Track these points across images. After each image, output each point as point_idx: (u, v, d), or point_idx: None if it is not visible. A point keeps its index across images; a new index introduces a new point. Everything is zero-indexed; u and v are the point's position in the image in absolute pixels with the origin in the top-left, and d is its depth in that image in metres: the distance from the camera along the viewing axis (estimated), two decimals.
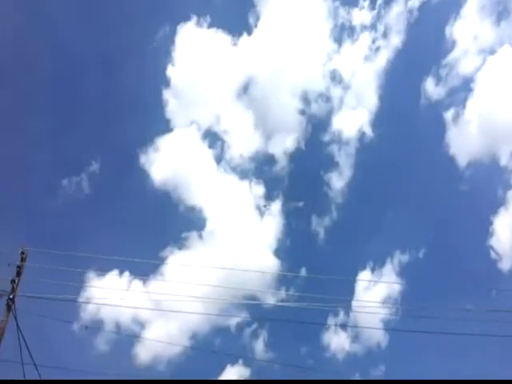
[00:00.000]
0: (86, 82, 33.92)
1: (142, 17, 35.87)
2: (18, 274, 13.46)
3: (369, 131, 34.93)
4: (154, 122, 34.36)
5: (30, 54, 33.20)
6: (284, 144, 34.97)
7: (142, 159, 32.81)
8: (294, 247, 33.57)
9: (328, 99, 35.58)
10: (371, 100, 35.48)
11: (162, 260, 28.17)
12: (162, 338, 27.53)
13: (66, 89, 34.01)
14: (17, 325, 13.34)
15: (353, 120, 35.40)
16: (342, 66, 35.79)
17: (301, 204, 34.46)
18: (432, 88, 34.16)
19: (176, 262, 29.47)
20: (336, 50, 36.02)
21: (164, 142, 33.67)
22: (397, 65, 35.22)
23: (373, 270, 31.40)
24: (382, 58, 35.42)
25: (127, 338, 26.97)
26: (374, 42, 35.70)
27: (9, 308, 13.14)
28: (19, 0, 33.65)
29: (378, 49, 35.66)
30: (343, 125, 35.27)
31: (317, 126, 35.55)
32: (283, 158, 34.71)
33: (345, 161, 34.77)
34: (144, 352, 27.01)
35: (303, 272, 29.56)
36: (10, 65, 32.63)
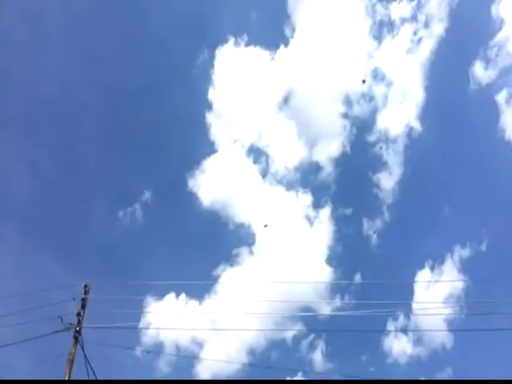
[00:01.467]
0: (132, 112, 35.94)
1: (182, 44, 37.37)
2: (83, 306, 14.37)
3: (417, 125, 34.43)
4: (199, 146, 35.91)
5: (79, 91, 35.14)
6: (328, 150, 35.01)
7: (190, 183, 34.21)
8: (346, 253, 33.28)
9: (371, 98, 35.40)
10: (417, 93, 34.99)
11: (216, 279, 28.98)
12: (220, 356, 28.22)
13: (115, 121, 35.99)
14: (84, 355, 14.10)
15: (399, 116, 34.97)
16: (383, 63, 35.48)
17: (350, 209, 34.27)
18: (481, 72, 33.36)
19: (229, 279, 30.23)
20: (376, 48, 35.76)
21: (209, 163, 34.83)
22: (441, 53, 34.63)
23: (432, 269, 30.70)
24: (425, 49, 34.87)
25: (187, 358, 28.10)
26: (415, 33, 35.20)
27: (76, 340, 13.96)
28: (64, 38, 35.53)
29: (420, 40, 35.13)
30: (389, 122, 34.91)
31: (361, 127, 35.44)
32: (329, 165, 34.76)
33: (393, 159, 34.36)
34: (204, 371, 27.55)
35: (358, 278, 29.60)
36: (61, 102, 34.69)
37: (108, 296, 15.06)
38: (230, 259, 31.78)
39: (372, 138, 35.05)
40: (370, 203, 34.83)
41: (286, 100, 35.73)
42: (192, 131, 36.39)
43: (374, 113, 35.28)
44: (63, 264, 28.85)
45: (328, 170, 34.79)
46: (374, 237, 32.88)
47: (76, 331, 13.98)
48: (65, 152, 34.05)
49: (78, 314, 14.18)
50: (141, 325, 19.52)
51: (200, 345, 28.01)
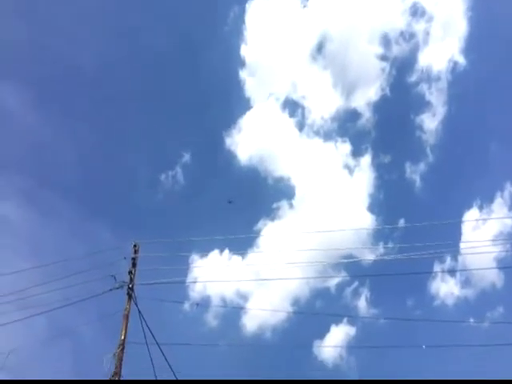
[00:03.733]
0: (167, 77, 37.26)
1: (211, 3, 38.22)
2: (134, 265, 15.73)
3: (461, 60, 34.08)
4: (234, 104, 36.96)
5: (116, 61, 37.08)
6: (367, 95, 35.04)
7: (228, 141, 35.73)
8: (388, 200, 33.83)
9: (411, 36, 34.91)
10: (460, 26, 34.45)
11: (257, 233, 30.54)
12: (265, 308, 30.26)
13: (151, 87, 37.59)
14: (138, 310, 15.50)
15: (441, 52, 34.52)
16: None
17: (392, 154, 34.61)
18: None
19: (270, 232, 31.83)
20: None
21: (246, 120, 35.91)
22: None
23: (481, 208, 31.22)
24: None
25: (233, 311, 29.89)
26: None
27: (129, 296, 15.36)
28: (98, 10, 37.14)
29: None
30: (431, 60, 34.53)
31: (401, 68, 35.21)
32: (367, 110, 34.95)
33: (437, 98, 34.30)
34: (250, 322, 29.65)
35: (401, 224, 30.28)
36: (99, 74, 36.89)
37: (156, 254, 16.56)
38: (271, 214, 33.14)
39: (413, 77, 34.83)
40: (412, 147, 34.96)
41: (319, 48, 35.73)
42: (226, 90, 37.36)
43: (414, 51, 34.78)
44: (112, 229, 31.56)
45: (367, 116, 34.94)
46: (418, 181, 33.20)
47: (129, 288, 15.34)
48: (106, 122, 36.39)
49: (130, 273, 15.53)
50: (188, 280, 21.35)
51: (245, 297, 29.79)
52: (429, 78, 34.57)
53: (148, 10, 38.35)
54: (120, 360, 14.79)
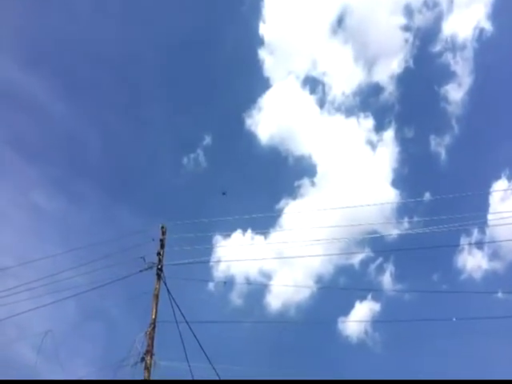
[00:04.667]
0: (187, 59, 37.86)
1: None
2: (162, 246, 16.36)
3: (488, 26, 33.46)
4: (253, 83, 37.34)
5: (135, 47, 38.09)
6: (389, 68, 34.76)
7: (248, 122, 36.00)
8: (413, 174, 33.80)
9: (434, 4, 34.49)
10: None
11: (280, 212, 31.15)
12: (289, 285, 30.86)
13: (171, 71, 38.10)
14: (167, 290, 16.10)
15: (467, 19, 33.91)
16: None
17: (416, 127, 34.35)
18: None
19: (293, 211, 32.30)
20: None
21: (265, 99, 36.08)
22: None
23: (509, 179, 31.07)
24: None
25: (257, 290, 30.70)
26: None
27: (159, 276, 16.03)
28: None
29: None
30: (456, 28, 34.04)
31: (425, 38, 34.75)
32: (390, 84, 34.70)
33: (462, 68, 33.90)
34: (274, 300, 30.30)
35: (427, 197, 30.14)
36: (121, 61, 37.98)
37: (181, 235, 17.19)
38: (293, 192, 33.59)
39: (437, 47, 34.37)
40: (437, 119, 34.68)
41: (339, 22, 35.43)
42: (246, 70, 37.85)
43: (438, 20, 34.31)
44: (138, 212, 32.80)
45: (390, 89, 34.70)
46: (443, 153, 33.09)
47: (158, 269, 15.99)
48: (129, 109, 37.31)
49: (158, 254, 16.17)
50: (213, 260, 22.06)
51: (268, 276, 30.42)
52: (454, 47, 34.20)
53: None
54: (152, 339, 15.43)
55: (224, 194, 24.03)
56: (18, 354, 19.50)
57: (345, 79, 36.51)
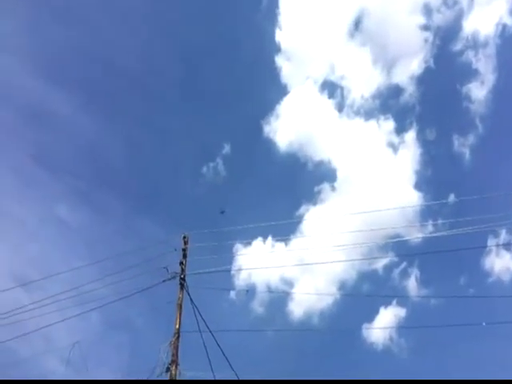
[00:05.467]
0: (204, 68, 38.75)
1: None
2: (184, 256, 16.75)
3: (510, 22, 33.32)
4: (271, 91, 37.76)
5: (153, 57, 39.14)
6: (409, 69, 34.66)
7: (266, 129, 36.50)
8: (436, 176, 33.53)
9: (454, 2, 34.42)
10: None
11: (300, 218, 31.26)
12: (311, 292, 30.87)
13: (189, 81, 39.04)
14: (190, 300, 16.41)
15: (488, 16, 33.77)
16: None
17: (438, 127, 34.15)
18: None
19: (313, 217, 32.39)
20: None
21: (283, 106, 36.44)
22: None
23: None
24: None
25: (279, 298, 30.80)
26: None
27: (182, 286, 16.31)
28: (134, 9, 38.88)
29: None
30: (477, 25, 33.81)
31: (445, 36, 34.67)
32: (410, 85, 34.63)
33: (485, 65, 33.69)
34: (297, 308, 30.35)
35: (451, 199, 29.65)
36: (141, 73, 39.12)
37: (202, 244, 17.59)
38: (313, 198, 33.73)
39: (458, 46, 34.23)
40: (459, 118, 34.43)
41: (357, 24, 35.58)
42: (263, 78, 38.19)
43: (458, 18, 34.24)
44: (159, 222, 33.36)
45: (410, 90, 34.63)
46: (467, 153, 32.72)
47: (181, 278, 16.33)
48: (149, 119, 38.28)
49: (181, 263, 16.54)
50: (234, 269, 22.36)
51: (290, 284, 30.44)
52: (475, 44, 33.94)
53: (181, 3, 39.96)
54: (176, 348, 15.71)
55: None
56: (47, 365, 20.08)
57: (364, 82, 36.70)
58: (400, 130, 34.58)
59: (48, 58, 36.83)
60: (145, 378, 15.28)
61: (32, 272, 24.14)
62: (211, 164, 36.22)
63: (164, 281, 16.59)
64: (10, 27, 34.56)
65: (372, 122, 35.28)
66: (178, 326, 16.02)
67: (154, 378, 15.28)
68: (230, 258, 20.50)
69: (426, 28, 34.80)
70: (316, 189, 34.44)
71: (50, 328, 16.89)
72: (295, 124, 36.63)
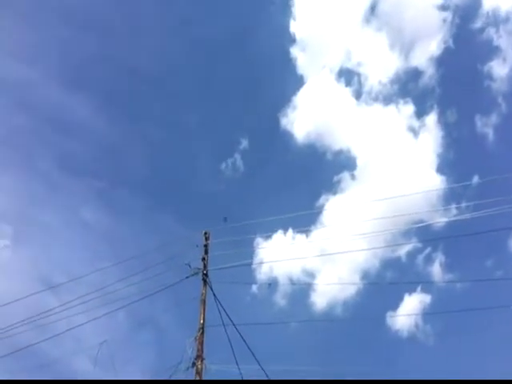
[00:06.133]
0: (219, 62, 39.10)
1: None
2: (206, 251, 17.19)
3: None
4: (287, 82, 37.90)
5: (168, 56, 39.78)
6: (428, 51, 34.35)
7: (283, 121, 36.53)
8: (459, 158, 33.33)
9: None
10: None
11: (320, 209, 31.29)
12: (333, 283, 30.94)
13: (205, 77, 39.54)
14: (213, 295, 16.83)
15: None
16: None
17: (459, 109, 33.77)
18: None
19: (334, 207, 32.48)
20: None
21: (300, 97, 36.45)
22: None
23: None
24: None
25: (301, 290, 30.97)
26: None
27: (205, 282, 16.76)
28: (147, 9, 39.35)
29: None
30: (498, 0, 33.68)
31: (464, 15, 34.51)
32: (430, 67, 34.33)
33: (507, 41, 33.47)
34: (319, 299, 30.56)
35: (476, 181, 29.32)
36: (156, 72, 39.69)
37: (223, 239, 17.97)
38: (332, 188, 33.82)
39: (478, 23, 33.97)
40: (481, 98, 34.10)
41: (372, 9, 35.52)
42: (278, 70, 38.54)
43: None
44: (181, 220, 34.15)
45: (429, 72, 34.29)
46: (491, 133, 32.28)
47: (204, 274, 16.76)
48: (166, 118, 38.92)
49: (203, 259, 16.99)
50: (255, 262, 22.63)
51: (312, 275, 30.75)
52: (496, 21, 33.52)
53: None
54: (201, 343, 16.12)
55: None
56: (77, 365, 20.68)
57: (381, 67, 36.47)
58: (420, 113, 34.39)
59: (65, 64, 37.80)
60: (171, 374, 15.70)
61: (59, 275, 24.87)
62: (229, 160, 36.55)
63: (187, 277, 16.96)
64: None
65: (391, 107, 35.14)
66: (202, 321, 16.39)
67: (180, 373, 15.68)
68: (250, 252, 20.77)
69: (443, 8, 34.51)
70: (335, 178, 34.49)
71: (78, 329, 17.36)
72: (313, 114, 36.63)
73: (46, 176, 34.46)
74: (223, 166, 36.72)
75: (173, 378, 15.76)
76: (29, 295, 17.79)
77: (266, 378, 16.49)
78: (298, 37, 36.75)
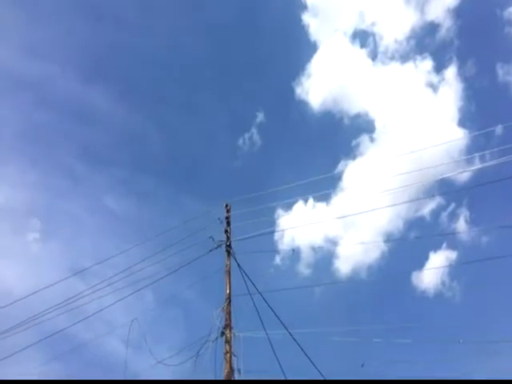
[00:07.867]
0: (231, 37, 40.29)
1: None
2: (228, 223, 18.00)
3: None
4: (300, 50, 38.48)
5: (181, 37, 41.13)
6: (444, 3, 34.55)
7: (298, 90, 37.10)
8: (481, 109, 33.27)
9: None
10: None
11: (340, 175, 31.60)
12: (357, 248, 31.18)
13: (219, 55, 40.55)
14: (238, 265, 17.61)
15: None
16: None
17: (479, 59, 33.76)
18: None
19: (353, 171, 32.62)
20: None
21: (314, 64, 36.83)
22: None
23: None
24: None
25: (325, 257, 31.39)
26: None
27: (228, 253, 17.58)
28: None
29: None
30: None
31: None
32: (447, 19, 34.36)
33: None
34: (343, 265, 31.29)
35: (499, 130, 29.50)
36: (169, 52, 41.35)
37: (244, 210, 18.60)
38: (351, 153, 34.12)
39: None
40: (502, 46, 33.76)
41: None
42: (291, 38, 39.08)
43: None
44: (202, 199, 35.60)
45: (446, 25, 34.26)
46: None
47: (227, 246, 17.53)
48: (183, 99, 40.46)
49: (226, 231, 17.77)
50: (277, 231, 23.13)
51: (334, 242, 31.31)
52: None
53: None
54: (229, 313, 16.88)
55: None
56: (108, 346, 21.69)
57: (396, 25, 36.24)
58: (439, 67, 34.20)
59: (82, 57, 39.10)
60: (201, 344, 16.40)
61: (87, 262, 25.79)
62: (246, 135, 37.13)
63: (211, 250, 17.71)
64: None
65: (409, 65, 35.03)
66: (228, 291, 17.13)
67: (210, 342, 16.37)
68: (272, 222, 21.21)
69: None
70: (354, 142, 34.78)
71: (108, 311, 18.28)
72: (328, 80, 36.73)
73: (70, 168, 36.66)
74: (240, 141, 37.33)
75: (204, 348, 16.42)
76: (57, 282, 18.60)
77: (293, 343, 17.00)
78: (309, 3, 36.95)
